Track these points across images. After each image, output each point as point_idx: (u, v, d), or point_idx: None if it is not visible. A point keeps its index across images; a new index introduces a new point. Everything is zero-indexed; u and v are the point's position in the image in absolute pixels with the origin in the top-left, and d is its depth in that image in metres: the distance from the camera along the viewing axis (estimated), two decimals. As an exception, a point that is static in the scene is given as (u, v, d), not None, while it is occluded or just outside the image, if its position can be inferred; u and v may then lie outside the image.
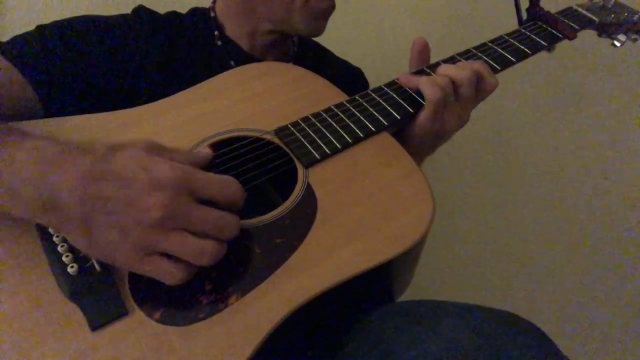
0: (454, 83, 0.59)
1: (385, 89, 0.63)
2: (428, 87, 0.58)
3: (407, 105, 0.61)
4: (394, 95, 0.62)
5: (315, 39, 0.85)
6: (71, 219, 0.40)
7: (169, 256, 0.41)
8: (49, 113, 0.62)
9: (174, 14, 0.75)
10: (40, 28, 0.63)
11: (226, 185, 0.44)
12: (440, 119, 0.60)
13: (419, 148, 0.64)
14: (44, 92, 0.60)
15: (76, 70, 0.62)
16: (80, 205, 0.39)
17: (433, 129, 0.60)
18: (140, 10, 0.71)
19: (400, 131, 0.63)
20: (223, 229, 0.42)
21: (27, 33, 0.63)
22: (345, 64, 0.88)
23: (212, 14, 0.75)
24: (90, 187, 0.40)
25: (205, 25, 0.74)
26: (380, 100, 0.61)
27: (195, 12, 0.76)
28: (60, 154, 0.41)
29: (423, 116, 0.60)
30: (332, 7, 0.70)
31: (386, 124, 0.59)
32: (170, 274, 0.41)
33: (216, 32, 0.73)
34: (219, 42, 0.73)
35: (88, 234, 0.40)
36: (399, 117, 0.60)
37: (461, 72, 0.59)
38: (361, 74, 0.88)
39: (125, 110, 0.59)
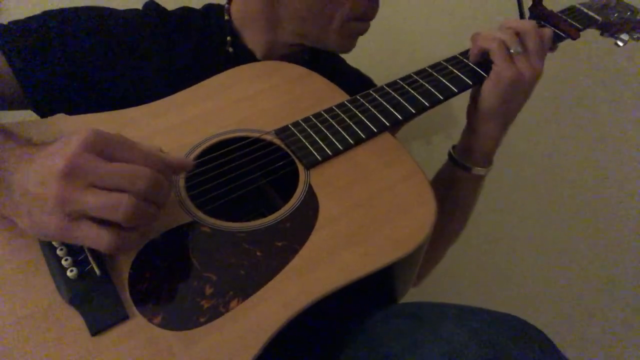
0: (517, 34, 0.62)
1: (387, 88, 0.63)
2: (487, 40, 0.62)
3: (409, 105, 0.60)
4: (396, 96, 0.62)
5: None
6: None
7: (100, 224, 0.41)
8: (37, 106, 0.61)
9: (186, 11, 0.71)
10: (44, 14, 0.62)
11: (137, 151, 0.42)
12: (513, 67, 0.60)
13: (505, 108, 0.64)
14: (30, 83, 0.59)
15: (72, 65, 0.61)
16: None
17: (509, 79, 0.60)
18: (150, 5, 0.69)
19: (481, 90, 0.63)
20: (135, 180, 0.40)
21: (30, 18, 0.62)
22: (356, 73, 0.85)
23: (227, 17, 0.70)
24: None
25: (217, 28, 0.70)
26: (382, 101, 0.61)
27: (209, 10, 0.72)
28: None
29: (496, 66, 0.61)
30: (368, 28, 0.69)
31: (388, 124, 0.59)
32: (99, 237, 0.40)
33: (229, 38, 0.69)
34: (231, 49, 0.70)
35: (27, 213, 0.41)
36: (400, 118, 0.59)
37: (514, 24, 0.62)
38: (372, 84, 0.85)
39: (124, 110, 0.58)
